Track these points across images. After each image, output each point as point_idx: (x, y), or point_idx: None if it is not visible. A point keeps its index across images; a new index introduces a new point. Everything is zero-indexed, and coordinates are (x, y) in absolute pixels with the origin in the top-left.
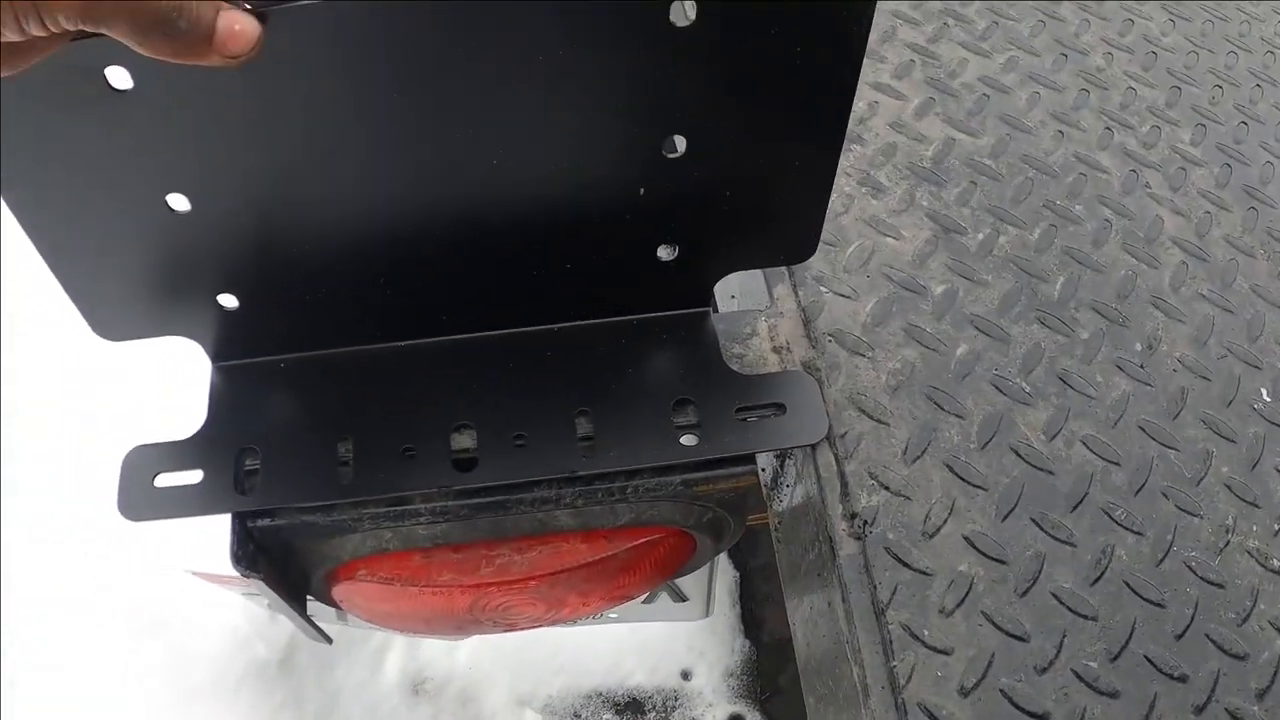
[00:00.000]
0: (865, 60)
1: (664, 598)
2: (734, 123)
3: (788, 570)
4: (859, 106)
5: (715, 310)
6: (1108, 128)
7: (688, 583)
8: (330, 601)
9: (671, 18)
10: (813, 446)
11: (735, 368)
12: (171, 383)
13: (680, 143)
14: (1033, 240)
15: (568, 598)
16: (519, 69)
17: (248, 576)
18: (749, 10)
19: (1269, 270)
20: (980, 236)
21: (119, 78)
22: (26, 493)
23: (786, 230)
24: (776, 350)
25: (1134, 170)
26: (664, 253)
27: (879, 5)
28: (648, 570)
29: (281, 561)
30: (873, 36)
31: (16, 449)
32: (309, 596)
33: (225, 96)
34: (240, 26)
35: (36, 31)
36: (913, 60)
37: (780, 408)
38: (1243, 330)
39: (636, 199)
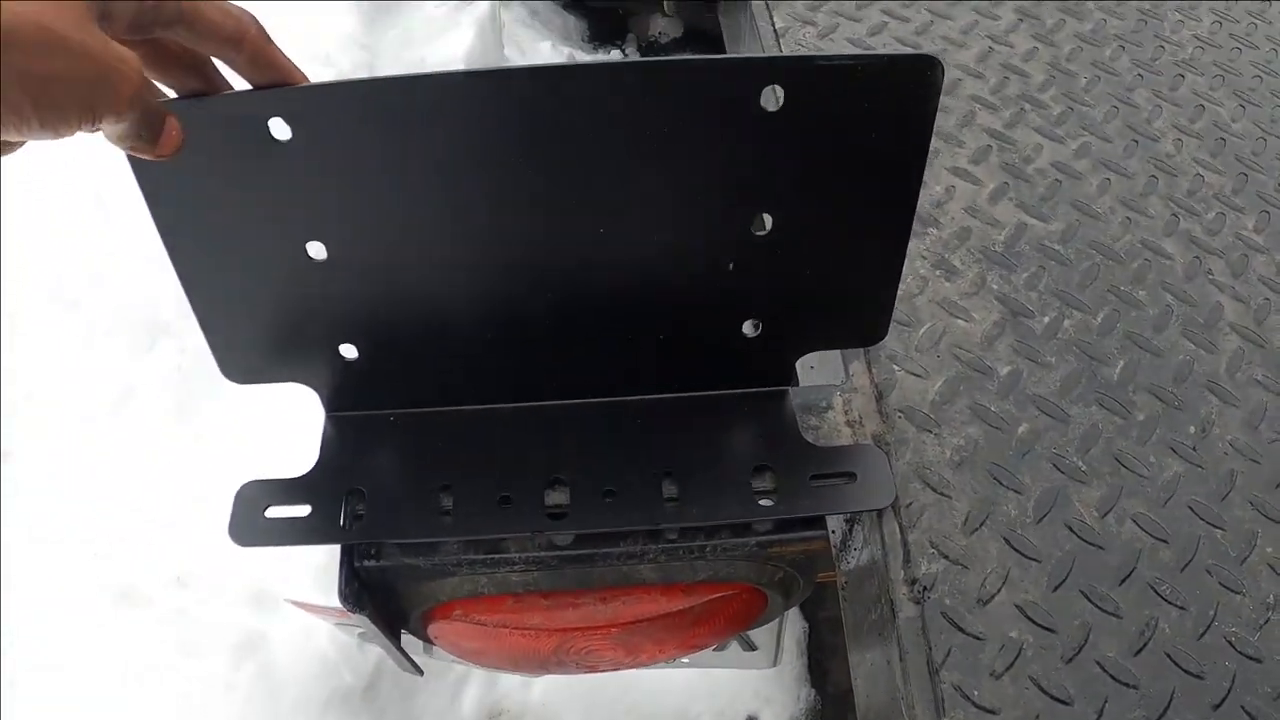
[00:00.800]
0: (944, 145)
1: (734, 646)
2: (816, 203)
3: (851, 627)
4: (936, 190)
5: (797, 385)
6: (1174, 214)
7: (758, 633)
8: (425, 638)
9: (762, 103)
10: (879, 515)
11: (810, 438)
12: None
13: (767, 221)
14: (1096, 324)
15: (646, 645)
16: (626, 145)
17: (353, 612)
18: (832, 96)
19: None
20: (1046, 320)
21: (279, 129)
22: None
23: (860, 313)
24: (850, 424)
25: (1197, 257)
26: (749, 329)
27: (960, 92)
28: (721, 623)
29: (384, 600)
30: (951, 121)
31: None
32: (403, 631)
33: (369, 153)
34: (175, 133)
35: (83, 132)
36: (989, 145)
37: (851, 476)
38: None
39: (726, 274)
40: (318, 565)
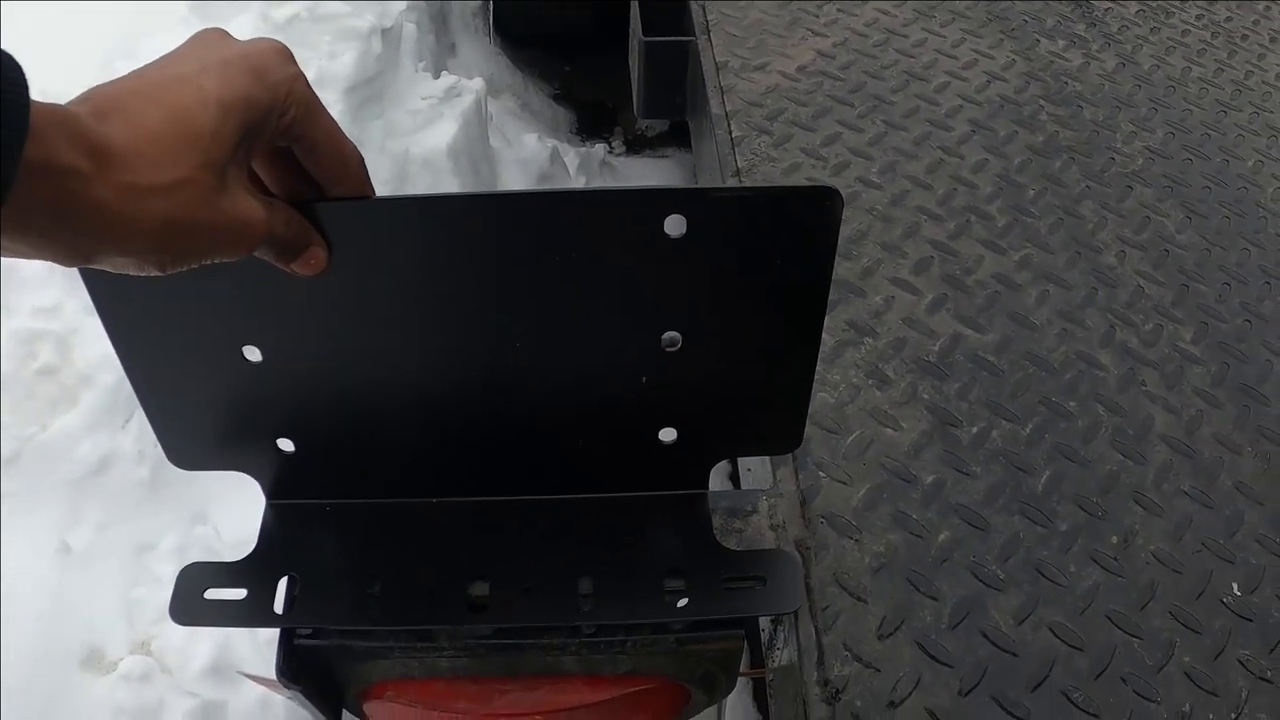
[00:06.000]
0: (887, 255)
1: None
2: (723, 321)
3: None
4: (875, 301)
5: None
6: (1111, 325)
7: None
8: (362, 716)
9: (666, 230)
10: (796, 617)
11: (734, 541)
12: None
13: (677, 337)
14: (1024, 435)
15: None
16: (543, 267)
17: (289, 688)
18: (733, 225)
19: (1255, 467)
20: (974, 430)
21: None
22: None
23: (773, 423)
24: (773, 528)
25: (1131, 368)
26: (665, 435)
27: (908, 203)
28: (642, 715)
29: (320, 677)
30: (896, 232)
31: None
32: (345, 710)
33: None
34: (315, 260)
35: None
36: (932, 256)
37: (762, 580)
38: (1221, 526)
39: (640, 385)
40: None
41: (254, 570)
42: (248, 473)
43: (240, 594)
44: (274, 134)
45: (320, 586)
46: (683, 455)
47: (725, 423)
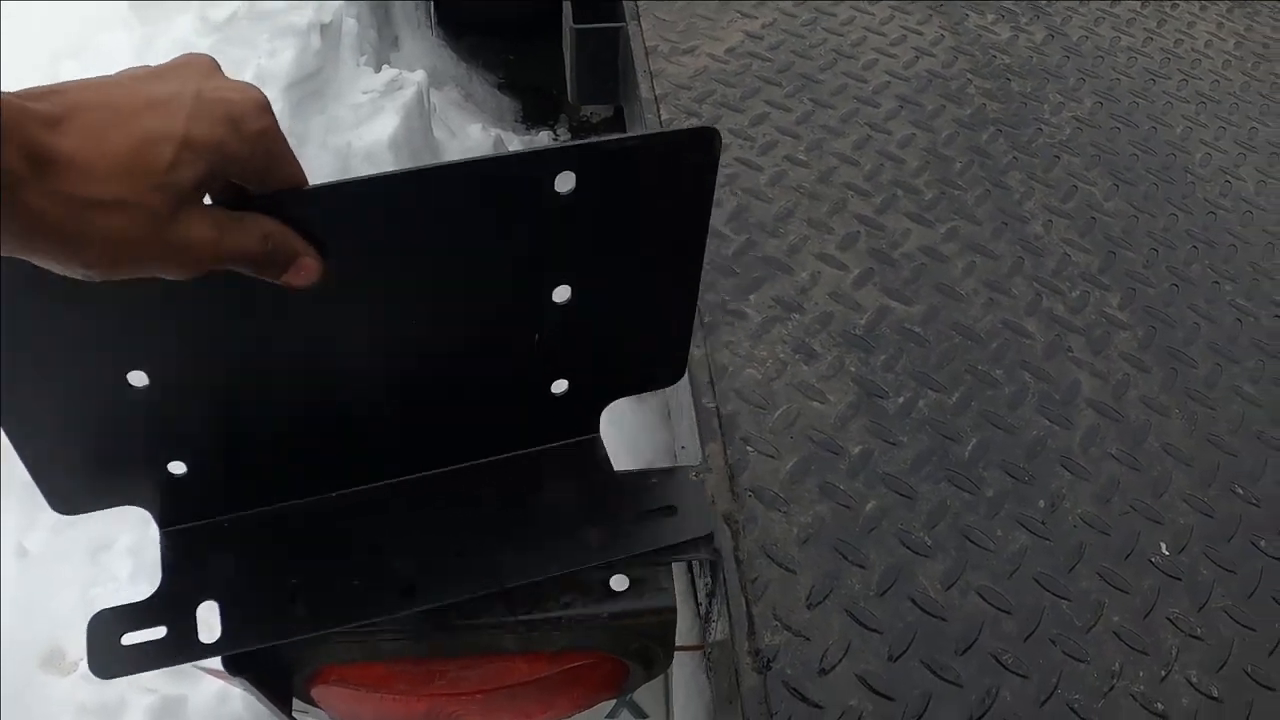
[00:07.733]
0: (814, 231)
1: (625, 714)
2: (612, 269)
3: (714, 696)
4: (802, 277)
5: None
6: (1038, 294)
7: (647, 701)
8: (310, 701)
9: (556, 187)
10: (727, 590)
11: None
12: None
13: (566, 290)
14: (950, 403)
15: (512, 710)
16: (431, 243)
17: (234, 675)
18: (622, 175)
19: (1183, 429)
20: (901, 400)
21: None
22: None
23: (660, 360)
24: None
25: (1058, 335)
26: (557, 387)
27: (835, 179)
28: (583, 691)
29: (266, 665)
30: (823, 209)
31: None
32: (295, 697)
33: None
34: (305, 271)
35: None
36: (859, 231)
37: (672, 509)
38: (1148, 487)
39: (533, 343)
40: None
41: (167, 604)
42: (137, 504)
43: (160, 633)
44: (236, 177)
45: (242, 605)
46: (574, 404)
47: (614, 366)
